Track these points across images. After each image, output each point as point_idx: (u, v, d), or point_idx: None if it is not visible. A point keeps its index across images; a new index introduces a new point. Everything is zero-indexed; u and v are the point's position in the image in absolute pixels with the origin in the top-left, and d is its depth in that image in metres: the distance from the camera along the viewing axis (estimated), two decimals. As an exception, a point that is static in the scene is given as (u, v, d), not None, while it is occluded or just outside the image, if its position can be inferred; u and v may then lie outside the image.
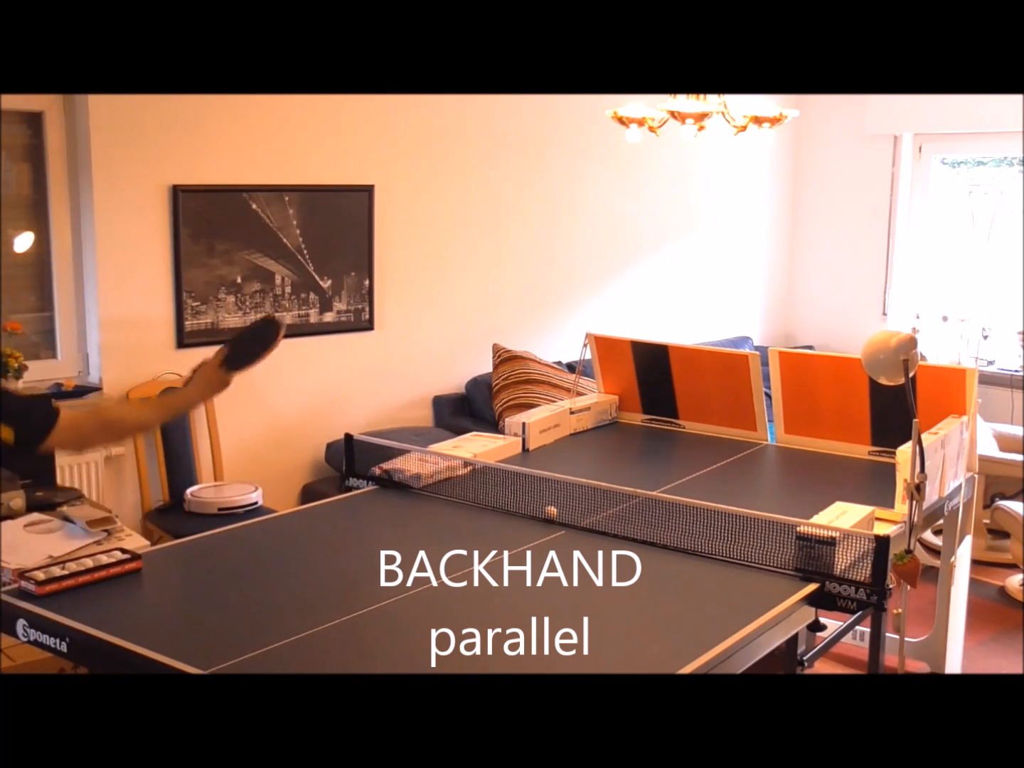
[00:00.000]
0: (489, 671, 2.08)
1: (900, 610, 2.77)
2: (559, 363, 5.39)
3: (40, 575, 2.34)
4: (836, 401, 3.69)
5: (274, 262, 4.44)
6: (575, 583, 2.60)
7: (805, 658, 2.69)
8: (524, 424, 3.65)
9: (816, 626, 2.59)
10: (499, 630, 2.32)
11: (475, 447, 3.44)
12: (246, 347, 2.39)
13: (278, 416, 4.56)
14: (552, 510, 2.97)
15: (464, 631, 2.30)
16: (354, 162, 4.67)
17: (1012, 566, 4.93)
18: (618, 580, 2.62)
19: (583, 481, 3.04)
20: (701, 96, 3.66)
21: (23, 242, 3.99)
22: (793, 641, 2.61)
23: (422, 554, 2.77)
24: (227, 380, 2.34)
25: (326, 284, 4.63)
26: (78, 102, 3.93)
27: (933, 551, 4.64)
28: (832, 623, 3.06)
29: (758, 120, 3.72)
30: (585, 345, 4.10)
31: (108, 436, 2.23)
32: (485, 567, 2.64)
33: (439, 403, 5.09)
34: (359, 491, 3.28)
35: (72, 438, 2.13)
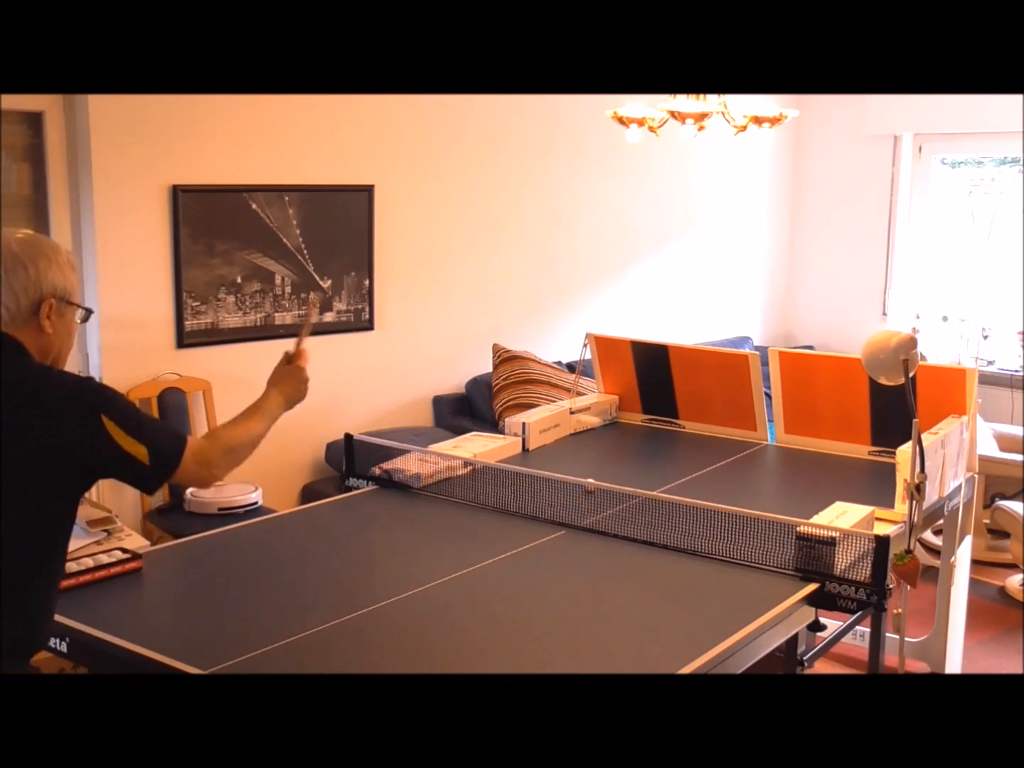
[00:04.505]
0: (489, 671, 2.09)
1: (900, 610, 2.77)
2: (559, 363, 5.39)
3: (40, 575, 2.34)
4: (836, 401, 3.69)
5: (274, 262, 4.44)
6: (575, 583, 2.60)
7: (805, 658, 2.69)
8: (524, 424, 3.65)
9: (816, 626, 2.59)
10: (499, 630, 2.33)
11: (475, 447, 3.44)
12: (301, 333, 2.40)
13: (278, 416, 4.56)
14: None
15: (464, 631, 2.31)
16: (354, 162, 4.67)
17: (1012, 566, 4.93)
18: (618, 580, 2.62)
19: (583, 481, 3.04)
20: (701, 96, 3.66)
21: (23, 242, 3.99)
22: (793, 641, 2.61)
23: (422, 554, 2.77)
24: (302, 371, 2.31)
25: (326, 284, 4.63)
26: (78, 102, 3.93)
27: (933, 551, 4.64)
28: (832, 623, 3.06)
29: (758, 120, 3.72)
30: (585, 345, 4.10)
31: (231, 462, 2.03)
32: (485, 567, 2.64)
33: (439, 403, 5.09)
34: (359, 491, 3.28)
35: (200, 472, 1.96)
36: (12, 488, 1.76)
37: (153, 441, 1.87)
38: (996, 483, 5.30)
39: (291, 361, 2.30)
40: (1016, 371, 6.16)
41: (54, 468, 1.78)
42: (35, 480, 1.77)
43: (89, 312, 1.98)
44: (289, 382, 2.28)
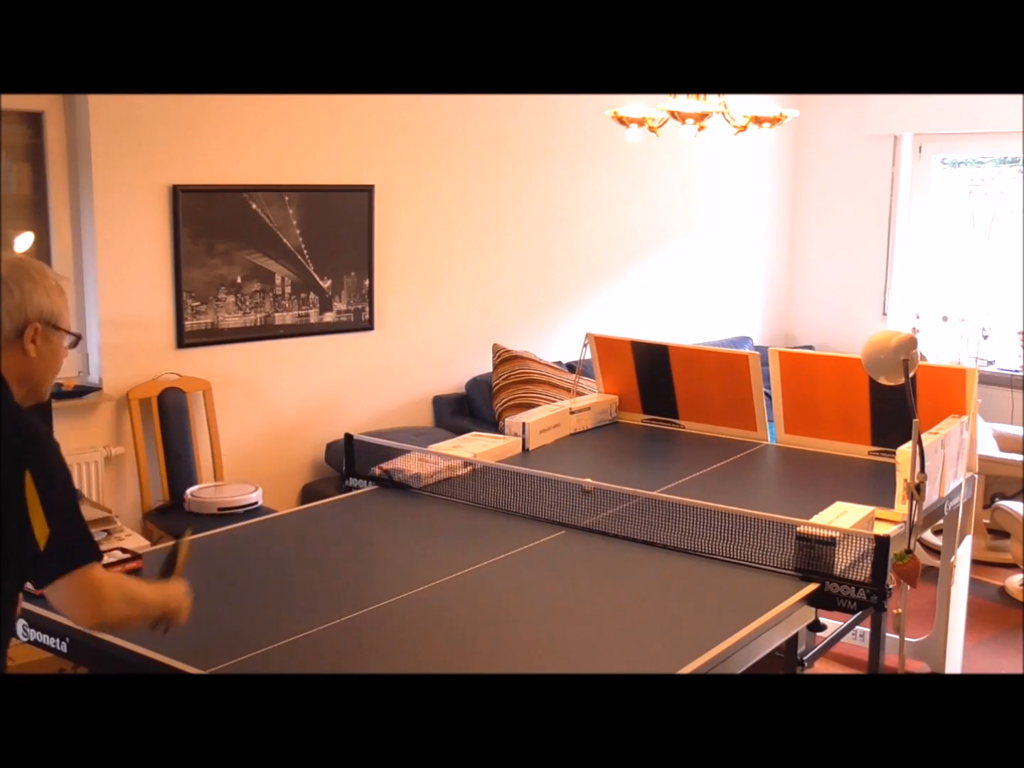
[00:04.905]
0: (488, 671, 2.09)
1: (900, 610, 2.77)
2: (559, 363, 5.39)
3: (40, 575, 2.33)
4: (836, 401, 3.69)
5: (274, 262, 4.44)
6: (575, 583, 2.60)
7: (805, 658, 2.69)
8: (524, 424, 3.65)
9: (816, 626, 2.59)
10: (498, 630, 2.32)
11: (475, 447, 3.44)
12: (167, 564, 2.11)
13: (278, 416, 4.56)
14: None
15: (463, 631, 2.31)
16: (354, 162, 4.67)
17: (1012, 566, 4.93)
18: (618, 580, 2.62)
19: (581, 480, 3.04)
20: (701, 96, 3.66)
21: (23, 242, 3.99)
22: (793, 641, 2.61)
23: (422, 554, 2.77)
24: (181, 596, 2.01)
25: (326, 284, 4.63)
26: (78, 102, 3.93)
27: (933, 551, 4.64)
28: (832, 623, 3.06)
29: (758, 120, 3.72)
30: (585, 345, 4.10)
31: (121, 613, 1.78)
32: (485, 567, 2.64)
33: (439, 403, 5.09)
34: (359, 491, 3.28)
35: (88, 601, 1.73)
36: None
37: (62, 531, 1.70)
38: (996, 483, 5.30)
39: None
40: (1016, 371, 6.16)
41: None
42: None
43: (78, 338, 1.90)
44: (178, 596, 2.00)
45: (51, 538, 1.69)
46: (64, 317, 1.87)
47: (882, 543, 2.51)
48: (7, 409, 1.76)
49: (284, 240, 4.46)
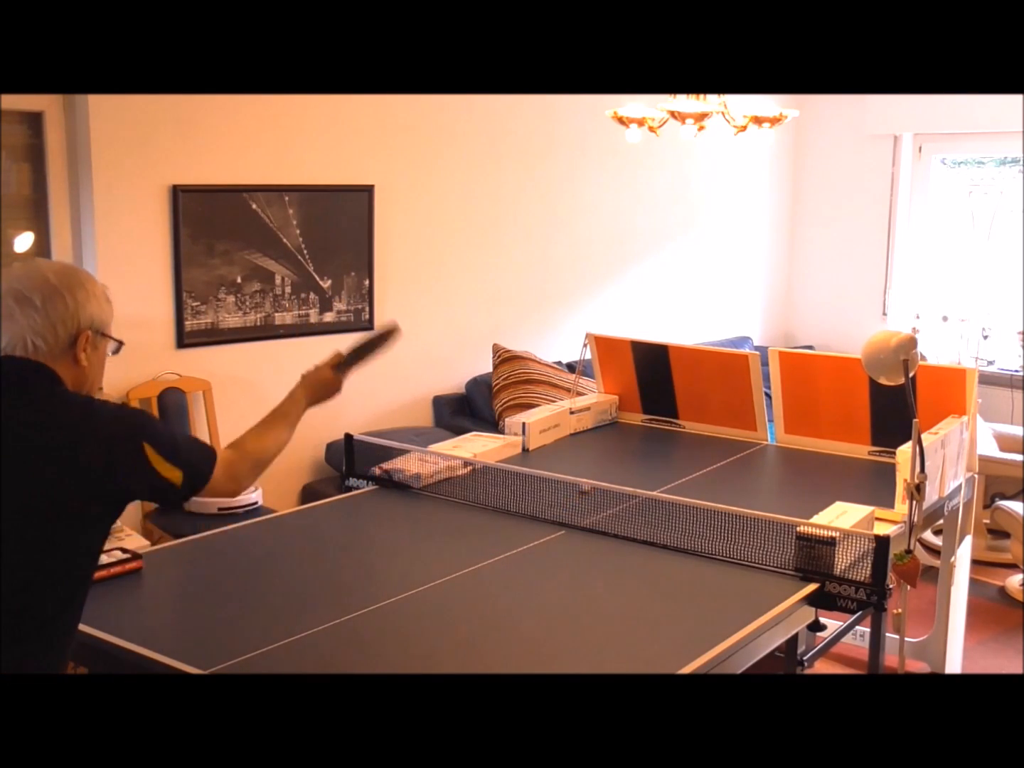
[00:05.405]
0: (488, 671, 2.09)
1: (900, 610, 2.77)
2: (559, 363, 5.39)
3: (40, 575, 2.33)
4: (836, 401, 3.69)
5: (274, 262, 4.44)
6: (575, 583, 2.60)
7: (805, 658, 2.69)
8: (524, 424, 3.65)
9: (816, 626, 2.59)
10: (498, 630, 2.32)
11: (475, 447, 3.44)
12: (362, 352, 2.43)
13: (278, 416, 4.56)
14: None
15: (463, 631, 2.31)
16: (354, 162, 4.67)
17: (1012, 566, 4.93)
18: (618, 580, 2.62)
19: (583, 481, 3.04)
20: (701, 96, 3.66)
21: (23, 242, 3.99)
22: (793, 641, 2.61)
23: (422, 554, 2.77)
24: (340, 384, 2.31)
25: (326, 284, 4.63)
26: (78, 102, 3.92)
27: (933, 551, 4.64)
28: (832, 623, 3.06)
29: (758, 120, 3.73)
30: (585, 345, 4.10)
31: (257, 474, 2.06)
32: (485, 567, 2.64)
33: (439, 403, 5.09)
34: (359, 491, 3.28)
35: (228, 485, 1.97)
36: (40, 526, 1.71)
37: (188, 463, 1.85)
38: (996, 483, 5.30)
39: (337, 370, 2.30)
40: (1016, 371, 6.16)
41: (97, 500, 1.75)
42: (66, 516, 1.73)
43: (120, 344, 1.91)
44: (321, 392, 2.28)
45: (185, 474, 1.85)
46: (110, 324, 1.89)
47: (882, 543, 2.51)
48: (96, 404, 1.81)
49: (284, 240, 4.46)
